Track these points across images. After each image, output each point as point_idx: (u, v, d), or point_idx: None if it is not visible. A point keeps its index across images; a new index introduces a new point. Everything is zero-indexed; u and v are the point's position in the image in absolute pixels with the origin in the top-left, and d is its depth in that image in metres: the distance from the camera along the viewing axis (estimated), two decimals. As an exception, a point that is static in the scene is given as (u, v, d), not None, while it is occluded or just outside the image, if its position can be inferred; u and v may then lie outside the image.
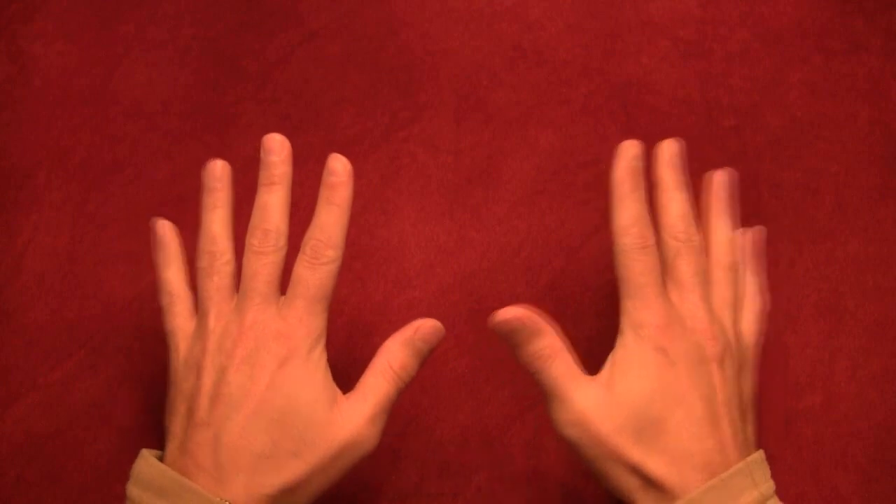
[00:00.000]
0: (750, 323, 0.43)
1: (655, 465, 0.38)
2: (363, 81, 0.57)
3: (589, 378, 0.40)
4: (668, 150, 0.43)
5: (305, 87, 0.57)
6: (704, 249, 0.43)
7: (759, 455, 0.39)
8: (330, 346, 0.50)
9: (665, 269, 0.42)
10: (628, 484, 0.39)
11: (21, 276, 0.53)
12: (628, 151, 0.42)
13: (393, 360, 0.42)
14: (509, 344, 0.41)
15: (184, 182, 0.55)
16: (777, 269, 0.52)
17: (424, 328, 0.42)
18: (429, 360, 0.50)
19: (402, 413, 0.49)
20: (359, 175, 0.55)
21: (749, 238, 0.45)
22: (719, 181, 0.45)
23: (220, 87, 0.57)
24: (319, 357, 0.41)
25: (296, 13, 0.59)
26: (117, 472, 0.49)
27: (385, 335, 0.51)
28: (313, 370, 0.41)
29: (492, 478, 0.48)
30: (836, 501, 0.47)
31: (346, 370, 0.50)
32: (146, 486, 0.38)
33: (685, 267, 0.41)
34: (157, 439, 0.49)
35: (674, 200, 0.43)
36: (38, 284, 0.53)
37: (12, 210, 0.54)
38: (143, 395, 0.50)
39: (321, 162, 0.56)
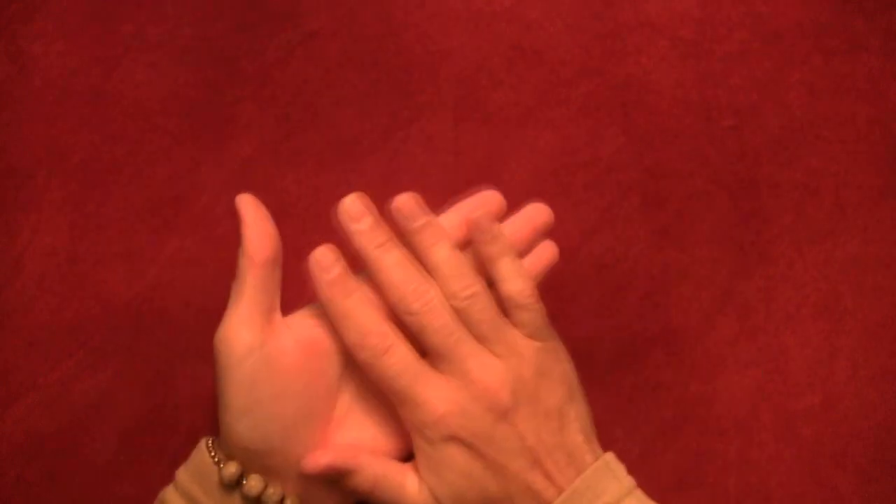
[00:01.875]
0: (527, 329, 0.41)
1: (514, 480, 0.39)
2: (363, 81, 0.57)
3: (414, 478, 0.40)
4: (350, 216, 0.41)
5: (305, 87, 0.57)
6: (439, 303, 0.40)
7: (601, 462, 0.40)
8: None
9: (420, 342, 0.40)
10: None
11: (21, 276, 0.53)
12: (321, 263, 0.40)
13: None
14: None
15: (184, 182, 0.55)
16: (777, 269, 0.52)
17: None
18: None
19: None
20: (359, 175, 0.55)
21: (471, 225, 0.42)
22: (398, 211, 0.42)
23: (220, 87, 0.57)
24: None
25: (296, 13, 0.59)
26: (117, 472, 0.49)
27: (385, 335, 0.51)
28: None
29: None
30: (836, 501, 0.47)
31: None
32: (197, 480, 0.40)
33: (435, 338, 0.40)
34: (157, 439, 0.49)
35: (386, 271, 0.40)
36: (38, 284, 0.53)
37: (12, 210, 0.54)
38: (143, 395, 0.50)
39: (321, 162, 0.56)
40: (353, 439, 0.41)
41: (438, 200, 0.54)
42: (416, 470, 0.40)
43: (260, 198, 0.54)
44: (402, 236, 0.42)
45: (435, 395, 0.39)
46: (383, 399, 0.41)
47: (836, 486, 0.48)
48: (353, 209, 0.41)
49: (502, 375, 0.39)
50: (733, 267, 0.52)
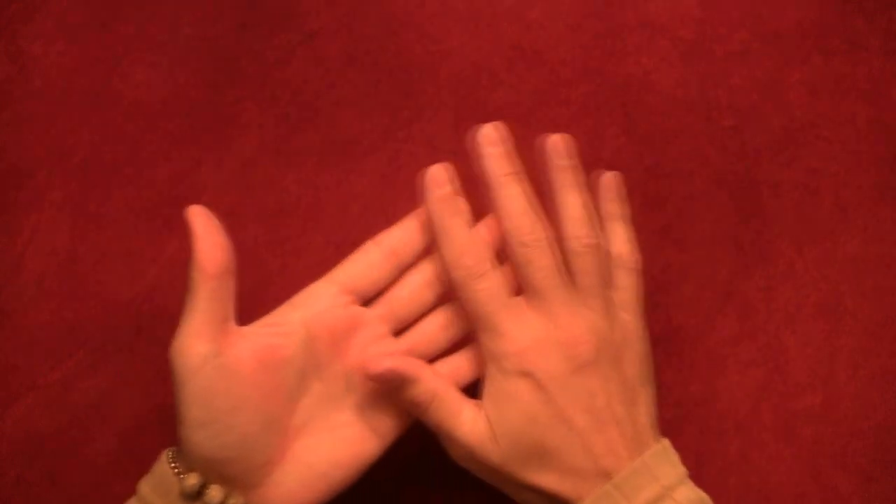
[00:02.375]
0: (624, 296, 0.42)
1: (548, 484, 0.39)
2: (363, 81, 0.57)
3: (474, 409, 0.40)
4: (488, 139, 0.41)
5: (305, 87, 0.57)
6: (552, 242, 0.41)
7: (660, 446, 0.39)
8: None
9: (518, 276, 0.41)
10: (534, 500, 0.40)
11: (21, 276, 0.53)
12: (435, 179, 0.41)
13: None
14: (386, 390, 0.41)
15: (184, 182, 0.55)
16: (777, 269, 0.52)
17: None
18: (429, 361, 0.50)
19: (402, 413, 0.49)
20: (359, 175, 0.55)
21: (601, 187, 0.44)
22: (553, 148, 0.42)
23: (220, 87, 0.57)
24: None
25: (296, 13, 0.59)
26: (117, 472, 0.49)
27: (385, 335, 0.51)
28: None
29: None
30: (836, 501, 0.47)
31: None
32: (159, 493, 0.39)
33: (535, 273, 0.40)
34: (157, 439, 0.49)
35: (507, 198, 0.41)
36: (38, 284, 0.52)
37: (12, 210, 0.54)
38: (143, 395, 0.50)
39: (321, 162, 0.56)
40: (313, 447, 0.41)
41: (439, 200, 0.55)
42: (474, 404, 0.40)
43: (260, 198, 0.54)
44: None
45: (519, 328, 0.39)
46: (345, 406, 0.41)
47: (836, 486, 0.48)
48: (494, 134, 0.41)
49: (591, 329, 0.39)
50: (733, 267, 0.53)
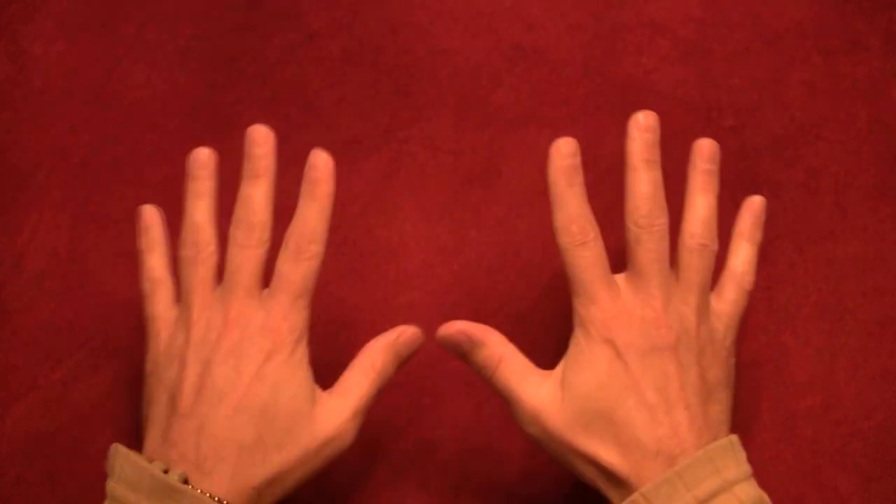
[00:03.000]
0: (725, 308, 0.43)
1: (607, 456, 0.39)
2: (363, 81, 0.57)
3: (541, 375, 0.41)
4: (639, 125, 0.43)
5: (305, 87, 0.57)
6: (666, 233, 0.42)
7: (727, 440, 0.40)
8: (329, 346, 0.51)
9: (627, 253, 0.42)
10: (589, 473, 0.40)
11: (21, 276, 0.53)
12: (562, 149, 0.42)
13: (375, 360, 0.43)
14: (457, 356, 0.43)
15: (184, 182, 0.55)
16: (777, 269, 0.52)
17: (407, 334, 0.44)
18: (429, 361, 0.50)
19: (402, 413, 0.49)
20: (359, 175, 0.55)
21: (744, 207, 0.45)
22: (699, 151, 0.44)
23: (220, 87, 0.57)
24: (303, 353, 0.42)
25: (296, 13, 0.59)
26: (117, 472, 0.49)
27: (385, 335, 0.51)
28: (297, 365, 0.41)
29: (492, 478, 0.48)
30: (836, 501, 0.47)
31: (344, 369, 0.50)
32: (134, 487, 0.38)
33: (643, 254, 0.41)
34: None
35: (639, 181, 0.42)
36: (38, 284, 0.52)
37: (12, 210, 0.54)
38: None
39: (321, 162, 0.56)
40: None
41: (438, 200, 0.55)
42: (542, 371, 0.41)
43: (260, 198, 0.54)
44: None
45: (611, 297, 0.41)
46: None
47: (836, 486, 0.48)
48: (649, 121, 0.43)
49: (678, 317, 0.41)
50: (733, 267, 0.52)
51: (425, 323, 0.51)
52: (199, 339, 0.41)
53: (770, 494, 0.39)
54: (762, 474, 0.41)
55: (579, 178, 0.42)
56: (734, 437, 0.40)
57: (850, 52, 0.57)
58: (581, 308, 0.41)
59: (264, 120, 0.57)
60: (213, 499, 0.38)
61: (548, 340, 0.51)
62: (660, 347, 0.40)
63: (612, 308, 0.41)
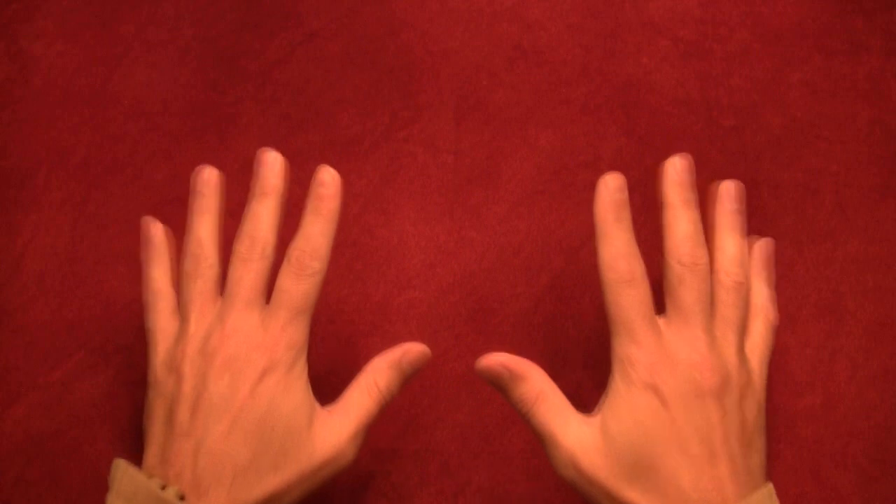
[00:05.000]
0: (757, 342, 0.42)
1: (667, 494, 0.38)
2: (363, 81, 0.57)
3: (580, 418, 0.40)
4: (676, 167, 0.43)
5: (305, 87, 0.57)
6: (709, 272, 0.42)
7: (766, 490, 0.39)
8: (329, 347, 0.51)
9: (667, 293, 0.41)
10: None
11: (21, 276, 0.53)
12: (610, 184, 0.41)
13: (379, 378, 0.42)
14: (495, 388, 0.42)
15: (184, 182, 0.55)
16: (777, 268, 0.52)
17: (413, 352, 0.43)
18: (429, 360, 0.50)
19: (402, 413, 0.49)
20: (359, 175, 0.55)
21: (757, 248, 0.45)
22: (727, 192, 0.44)
23: (220, 87, 0.57)
24: (301, 370, 0.41)
25: (296, 13, 0.59)
26: (117, 472, 0.49)
27: (385, 335, 0.51)
28: (294, 382, 0.40)
29: (492, 478, 0.48)
30: (836, 501, 0.47)
31: (345, 371, 0.50)
32: (131, 502, 0.38)
33: (687, 294, 0.40)
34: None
35: (679, 220, 0.42)
36: (38, 284, 0.52)
37: (12, 210, 0.54)
38: (143, 395, 0.50)
39: (321, 162, 0.56)
40: None
41: (438, 200, 0.55)
42: (582, 414, 0.40)
43: (260, 198, 0.54)
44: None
45: (655, 339, 0.40)
46: None
47: (836, 486, 0.48)
48: (683, 165, 0.43)
49: (722, 360, 0.40)
50: (733, 267, 0.52)
51: (425, 323, 0.51)
52: (195, 352, 0.40)
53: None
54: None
55: (627, 214, 0.42)
56: (771, 487, 0.39)
57: (850, 52, 0.57)
58: (621, 349, 0.40)
59: (264, 120, 0.57)
60: None
61: (547, 341, 0.51)
62: (704, 393, 0.39)
63: (657, 352, 0.39)
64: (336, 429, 0.41)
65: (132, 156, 0.56)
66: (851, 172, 0.54)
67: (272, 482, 0.39)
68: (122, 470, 0.39)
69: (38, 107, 0.57)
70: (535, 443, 0.48)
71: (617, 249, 0.41)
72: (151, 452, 0.40)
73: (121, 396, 0.50)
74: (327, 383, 0.49)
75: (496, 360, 0.41)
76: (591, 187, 0.54)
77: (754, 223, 0.54)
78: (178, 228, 0.54)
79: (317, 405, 0.41)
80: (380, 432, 0.49)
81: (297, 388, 0.40)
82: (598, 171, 0.55)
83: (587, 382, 0.50)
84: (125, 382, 0.50)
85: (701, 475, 0.38)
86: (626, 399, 0.39)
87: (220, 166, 0.54)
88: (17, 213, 0.54)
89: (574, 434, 0.40)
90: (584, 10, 0.59)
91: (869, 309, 0.51)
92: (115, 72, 0.58)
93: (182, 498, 0.38)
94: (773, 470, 0.48)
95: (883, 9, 0.58)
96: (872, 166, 0.55)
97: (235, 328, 0.41)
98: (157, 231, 0.45)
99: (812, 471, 0.48)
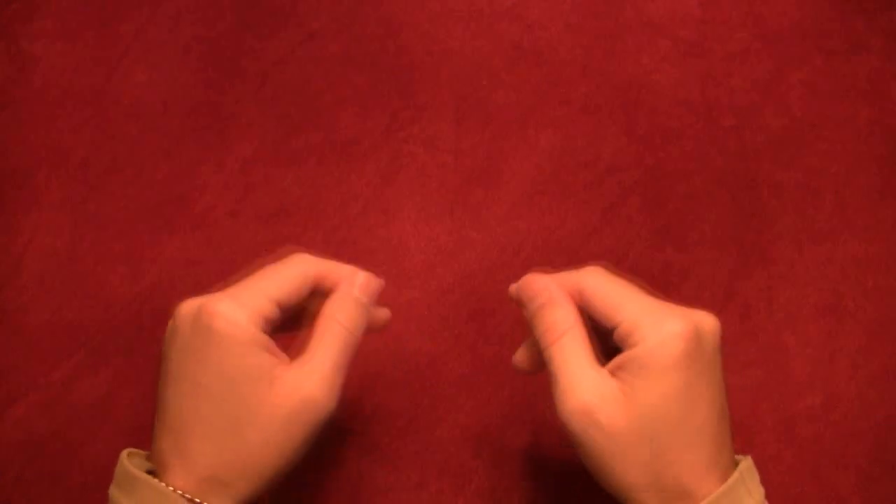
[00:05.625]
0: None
1: (670, 468, 0.37)
2: (363, 81, 0.57)
3: (600, 369, 0.39)
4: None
5: (305, 87, 0.57)
6: None
7: (749, 461, 0.39)
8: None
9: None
10: (635, 482, 0.38)
11: (21, 276, 0.53)
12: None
13: (339, 314, 0.40)
14: (526, 312, 0.40)
15: (184, 182, 0.55)
16: (777, 269, 0.52)
17: (362, 280, 0.41)
18: (429, 361, 0.50)
19: (402, 413, 0.49)
20: (359, 175, 0.55)
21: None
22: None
23: (220, 87, 0.57)
24: (255, 329, 0.39)
25: (296, 13, 0.59)
26: (117, 472, 0.49)
27: (385, 335, 0.51)
28: (249, 343, 0.38)
29: (492, 478, 0.48)
30: (836, 501, 0.47)
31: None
32: (117, 483, 0.39)
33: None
34: (157, 439, 0.49)
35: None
36: (38, 284, 0.52)
37: (12, 210, 0.54)
38: (143, 395, 0.50)
39: (321, 162, 0.56)
40: None
41: (438, 200, 0.55)
42: (600, 369, 0.39)
43: (260, 198, 0.54)
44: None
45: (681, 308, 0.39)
46: None
47: (836, 486, 0.48)
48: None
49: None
50: (734, 267, 0.52)
51: (425, 323, 0.51)
52: (172, 329, 0.40)
53: (770, 494, 0.39)
54: (762, 474, 0.41)
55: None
56: (750, 459, 0.39)
57: (850, 52, 0.57)
58: (656, 313, 0.39)
59: (264, 120, 0.57)
60: (171, 489, 0.37)
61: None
62: (715, 352, 0.39)
63: (690, 321, 0.38)
64: (302, 376, 0.39)
65: (132, 156, 0.56)
66: (851, 172, 0.54)
67: (235, 448, 0.38)
68: (120, 457, 0.40)
69: (38, 107, 0.57)
70: (536, 443, 0.48)
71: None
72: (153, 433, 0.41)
73: (121, 396, 0.50)
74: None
75: (542, 281, 0.40)
76: (591, 187, 0.54)
77: (754, 223, 0.54)
78: (179, 228, 0.54)
79: (281, 359, 0.39)
80: (380, 432, 0.49)
81: (253, 348, 0.38)
82: (598, 171, 0.55)
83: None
84: (125, 382, 0.50)
85: (716, 437, 0.38)
86: (658, 357, 0.38)
87: (220, 166, 0.54)
88: (17, 213, 0.54)
89: (595, 383, 0.38)
90: (584, 10, 0.59)
91: (869, 309, 0.51)
92: (115, 72, 0.58)
93: (152, 471, 0.38)
94: (773, 470, 0.48)
95: (883, 9, 0.58)
96: (872, 166, 0.55)
97: (204, 303, 0.39)
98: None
99: (812, 471, 0.48)
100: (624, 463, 0.38)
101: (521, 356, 0.43)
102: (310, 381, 0.38)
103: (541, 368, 0.41)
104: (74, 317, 0.52)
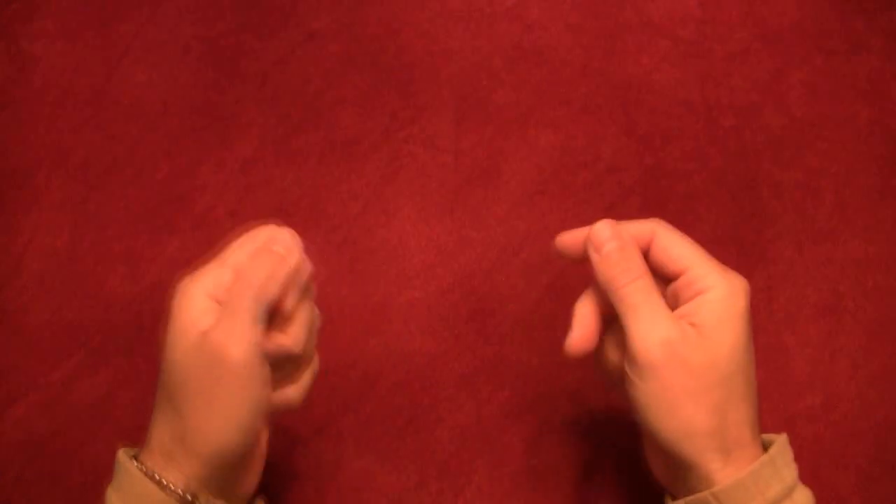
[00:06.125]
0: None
1: (735, 414, 0.38)
2: (363, 81, 0.57)
3: (672, 313, 0.39)
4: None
5: (305, 87, 0.57)
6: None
7: (783, 439, 0.39)
8: (330, 348, 0.50)
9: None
10: (703, 425, 0.37)
11: (21, 276, 0.53)
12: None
13: (247, 270, 0.39)
14: (597, 257, 0.40)
15: (184, 182, 0.55)
16: (777, 268, 0.52)
17: (271, 233, 0.41)
18: (429, 361, 0.50)
19: (402, 413, 0.49)
20: (359, 175, 0.55)
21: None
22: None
23: (220, 87, 0.57)
24: (187, 309, 0.39)
25: (296, 13, 0.59)
26: (117, 472, 0.49)
27: (385, 335, 0.51)
28: (185, 325, 0.39)
29: (492, 478, 0.48)
30: (836, 501, 0.47)
31: (346, 371, 0.50)
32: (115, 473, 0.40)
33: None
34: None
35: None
36: (38, 284, 0.52)
37: (12, 210, 0.54)
38: (143, 395, 0.50)
39: (321, 162, 0.56)
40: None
41: (438, 200, 0.55)
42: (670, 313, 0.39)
43: (260, 198, 0.54)
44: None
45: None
46: None
47: (836, 486, 0.48)
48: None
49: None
50: (734, 267, 0.52)
51: (425, 323, 0.51)
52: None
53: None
54: (762, 474, 0.41)
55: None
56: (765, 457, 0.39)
57: (850, 52, 0.57)
58: (725, 272, 0.40)
59: (264, 120, 0.57)
60: (137, 465, 0.38)
61: (547, 341, 0.51)
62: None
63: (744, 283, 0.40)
64: (214, 337, 0.38)
65: (132, 156, 0.56)
66: (851, 172, 0.54)
67: (178, 413, 0.39)
68: (129, 475, 0.39)
69: (38, 107, 0.57)
70: (535, 443, 0.49)
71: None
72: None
73: (121, 396, 0.50)
74: (327, 383, 0.49)
75: (614, 229, 0.40)
76: (591, 187, 0.54)
77: (754, 223, 0.54)
78: (179, 228, 0.54)
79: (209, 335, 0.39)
80: (380, 432, 0.49)
81: (188, 327, 0.39)
82: (598, 171, 0.55)
83: (589, 384, 0.50)
84: (125, 382, 0.50)
85: (755, 402, 0.39)
86: (729, 310, 0.39)
87: (220, 166, 0.54)
88: (17, 213, 0.54)
89: (672, 321, 0.38)
90: (584, 10, 0.59)
91: (869, 309, 0.51)
92: (115, 72, 0.58)
93: (136, 457, 0.39)
94: (773, 470, 0.48)
95: (883, 9, 0.58)
96: (872, 166, 0.55)
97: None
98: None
99: (812, 471, 0.48)
100: (697, 403, 0.37)
101: (585, 303, 0.42)
102: (220, 336, 0.38)
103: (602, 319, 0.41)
104: (74, 317, 0.52)
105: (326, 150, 0.56)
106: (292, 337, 0.40)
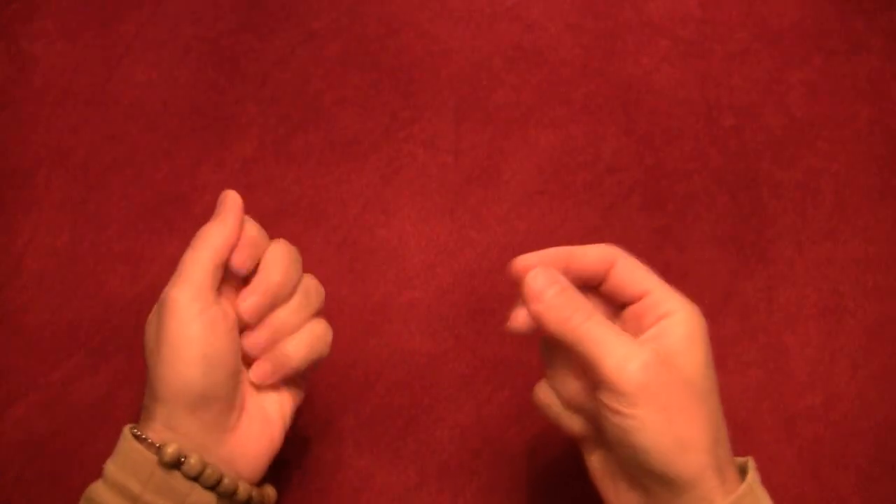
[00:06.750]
0: None
1: (722, 429, 0.38)
2: (363, 81, 0.57)
3: (631, 338, 0.39)
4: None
5: (305, 87, 0.57)
6: None
7: (750, 462, 0.39)
8: (330, 347, 0.50)
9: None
10: (701, 437, 0.37)
11: (21, 276, 0.53)
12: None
13: (203, 231, 0.43)
14: (536, 306, 0.40)
15: (184, 182, 0.55)
16: (777, 269, 0.52)
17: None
18: (429, 360, 0.50)
19: (402, 413, 0.49)
20: (359, 175, 0.55)
21: None
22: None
23: (220, 87, 0.57)
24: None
25: (296, 13, 0.59)
26: (117, 472, 0.49)
27: (385, 335, 0.51)
28: (164, 306, 0.41)
29: (492, 478, 0.48)
30: (836, 501, 0.47)
31: (346, 371, 0.50)
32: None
33: None
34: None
35: None
36: (38, 284, 0.52)
37: (12, 210, 0.54)
38: (143, 394, 0.50)
39: (321, 162, 0.56)
40: (264, 398, 0.43)
41: (438, 200, 0.55)
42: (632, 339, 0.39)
43: (260, 198, 0.54)
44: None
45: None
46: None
47: (836, 486, 0.48)
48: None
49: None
50: (734, 267, 0.52)
51: (425, 323, 0.51)
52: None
53: (770, 494, 0.39)
54: (762, 474, 0.41)
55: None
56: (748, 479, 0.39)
57: (850, 52, 0.57)
58: (683, 298, 0.40)
59: (264, 120, 0.57)
60: (128, 426, 0.40)
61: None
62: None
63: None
64: (170, 290, 0.41)
65: (132, 156, 0.56)
66: (851, 172, 0.54)
67: (152, 372, 0.41)
68: (124, 437, 0.41)
69: (38, 107, 0.57)
70: (535, 443, 0.49)
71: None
72: None
73: (121, 396, 0.50)
74: (327, 383, 0.49)
75: (545, 275, 0.40)
76: (591, 187, 0.54)
77: (754, 223, 0.54)
78: (179, 228, 0.54)
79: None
80: (380, 432, 0.49)
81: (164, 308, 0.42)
82: (598, 171, 0.55)
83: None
84: (125, 382, 0.50)
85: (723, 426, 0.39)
86: (694, 333, 0.39)
87: (220, 166, 0.54)
88: (17, 213, 0.54)
89: (641, 347, 0.38)
90: (584, 10, 0.59)
91: (869, 309, 0.51)
92: (115, 72, 0.58)
93: (181, 457, 0.39)
94: (773, 470, 0.48)
95: (883, 9, 0.58)
96: (872, 166, 0.55)
97: None
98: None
99: (812, 471, 0.48)
100: (692, 417, 0.37)
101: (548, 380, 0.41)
102: (168, 289, 0.41)
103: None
104: (74, 317, 0.52)
105: (326, 149, 0.56)
106: (245, 301, 0.42)
